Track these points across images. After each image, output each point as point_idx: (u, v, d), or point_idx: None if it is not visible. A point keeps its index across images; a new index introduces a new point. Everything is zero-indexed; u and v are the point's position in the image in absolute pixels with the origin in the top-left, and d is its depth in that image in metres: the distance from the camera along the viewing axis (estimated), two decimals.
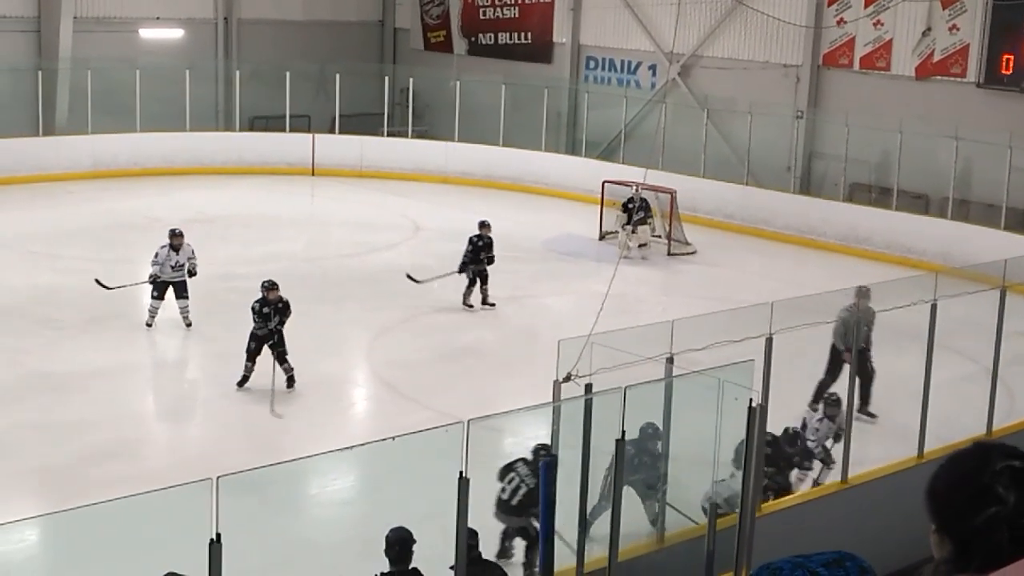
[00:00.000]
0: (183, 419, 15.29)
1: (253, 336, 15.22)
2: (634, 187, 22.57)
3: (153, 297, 17.32)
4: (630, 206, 22.85)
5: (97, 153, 28.53)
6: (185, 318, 17.39)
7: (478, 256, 19.01)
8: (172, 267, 17.27)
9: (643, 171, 25.67)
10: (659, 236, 23.79)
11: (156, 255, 17.32)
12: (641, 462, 10.85)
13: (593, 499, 9.61)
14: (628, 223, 22.88)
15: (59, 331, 17.35)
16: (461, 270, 19.06)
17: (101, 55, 29.52)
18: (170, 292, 17.28)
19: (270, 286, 15.29)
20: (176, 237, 17.46)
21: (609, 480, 10.44)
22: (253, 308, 15.21)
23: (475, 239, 19.14)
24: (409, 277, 19.44)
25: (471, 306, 19.01)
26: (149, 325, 17.34)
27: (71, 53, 29.58)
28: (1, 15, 29.42)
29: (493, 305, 19.06)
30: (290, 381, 15.18)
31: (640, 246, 22.86)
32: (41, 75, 28.79)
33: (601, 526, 9.97)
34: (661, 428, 10.67)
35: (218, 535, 7.16)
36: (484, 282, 19.08)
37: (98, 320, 17.84)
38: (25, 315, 17.92)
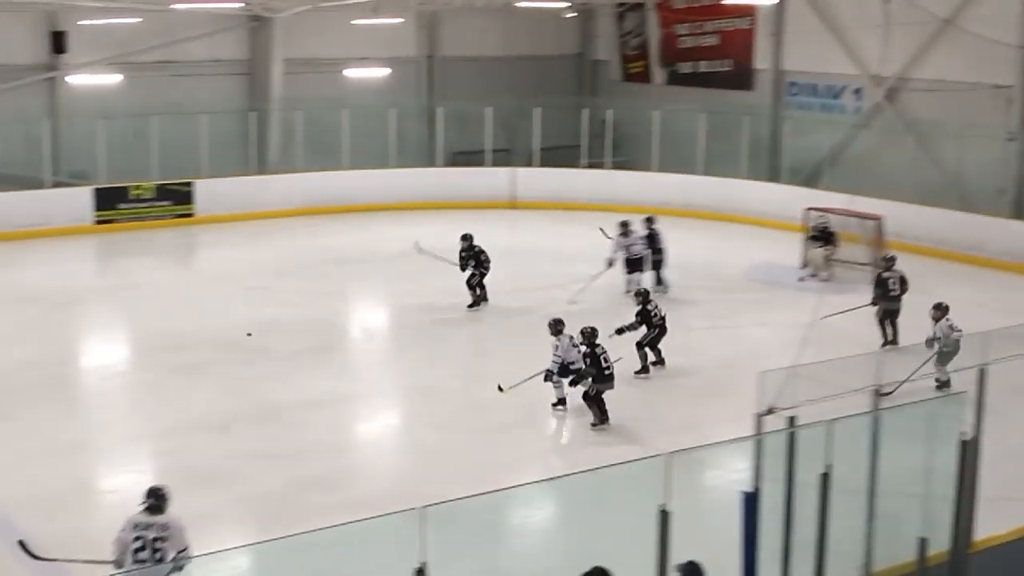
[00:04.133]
0: (391, 448, 15.61)
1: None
2: (819, 215, 23.52)
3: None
4: (812, 234, 23.44)
5: (307, 190, 29.51)
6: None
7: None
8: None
9: (847, 197, 25.30)
10: (865, 265, 23.29)
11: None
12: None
13: (799, 534, 9.40)
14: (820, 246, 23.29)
15: (276, 362, 17.94)
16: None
17: (310, 96, 30.57)
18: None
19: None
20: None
21: None
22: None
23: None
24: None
25: None
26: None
27: (282, 94, 30.73)
28: (216, 59, 30.77)
29: None
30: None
31: (817, 268, 23.10)
32: (254, 116, 29.97)
33: None
34: None
35: (423, 564, 7.30)
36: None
37: (313, 352, 18.40)
38: (243, 347, 18.60)
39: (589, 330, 15.51)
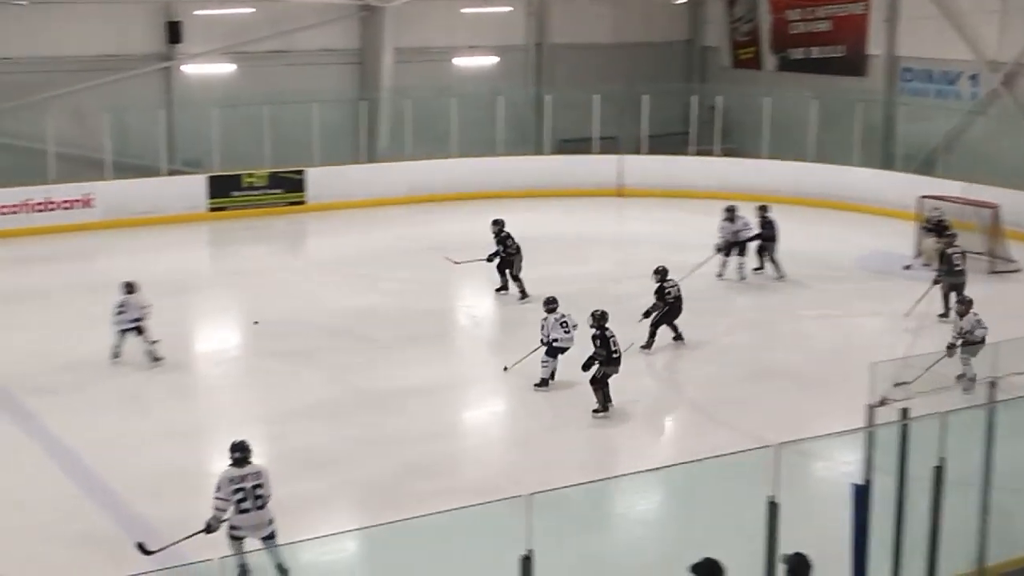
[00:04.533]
0: (494, 436, 15.65)
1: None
2: (934, 207, 22.93)
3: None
4: (926, 225, 22.78)
5: (415, 179, 29.70)
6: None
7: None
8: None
9: (962, 185, 24.74)
10: (980, 254, 22.77)
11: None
12: None
13: (910, 527, 9.23)
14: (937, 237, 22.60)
15: (382, 349, 18.11)
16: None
17: (419, 84, 30.76)
18: None
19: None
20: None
21: None
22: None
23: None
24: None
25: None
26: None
27: (391, 83, 30.95)
28: (327, 48, 31.10)
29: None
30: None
31: (929, 259, 22.37)
32: (364, 105, 30.23)
33: None
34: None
35: (530, 551, 7.30)
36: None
37: (415, 339, 18.52)
38: (349, 334, 18.81)
39: (599, 313, 15.42)
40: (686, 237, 24.24)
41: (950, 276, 19.10)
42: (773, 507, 8.00)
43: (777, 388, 16.41)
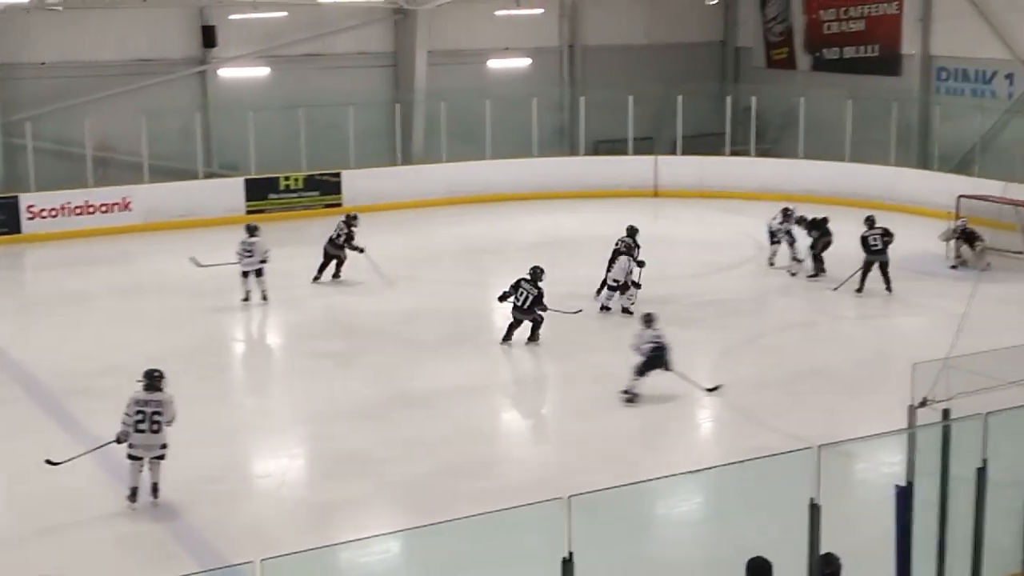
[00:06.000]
0: (533, 437, 15.69)
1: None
2: (957, 219, 23.05)
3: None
4: (956, 236, 22.84)
5: (451, 180, 29.78)
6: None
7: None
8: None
9: (1001, 184, 24.60)
10: (1020, 253, 22.62)
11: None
12: None
13: (954, 529, 9.19)
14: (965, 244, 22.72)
15: (420, 351, 18.17)
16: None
17: (453, 87, 30.83)
18: None
19: None
20: None
21: None
22: None
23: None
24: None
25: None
26: None
27: (425, 86, 31.05)
28: (361, 51, 31.24)
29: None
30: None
31: (974, 263, 22.25)
32: (399, 108, 30.34)
33: None
34: None
35: (570, 554, 7.33)
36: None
37: (454, 340, 18.58)
38: (389, 336, 18.89)
39: (535, 267, 18.20)
40: (722, 237, 24.18)
41: (870, 255, 20.79)
42: (815, 509, 7.98)
43: (818, 389, 16.36)
